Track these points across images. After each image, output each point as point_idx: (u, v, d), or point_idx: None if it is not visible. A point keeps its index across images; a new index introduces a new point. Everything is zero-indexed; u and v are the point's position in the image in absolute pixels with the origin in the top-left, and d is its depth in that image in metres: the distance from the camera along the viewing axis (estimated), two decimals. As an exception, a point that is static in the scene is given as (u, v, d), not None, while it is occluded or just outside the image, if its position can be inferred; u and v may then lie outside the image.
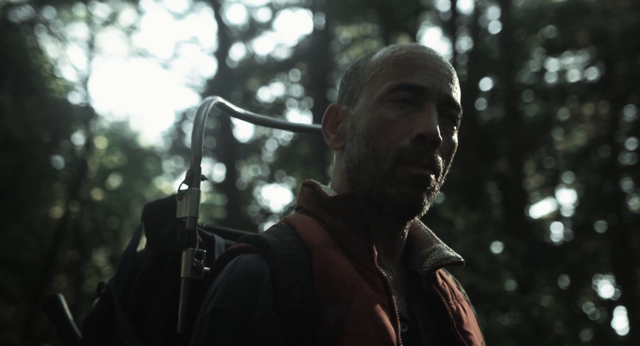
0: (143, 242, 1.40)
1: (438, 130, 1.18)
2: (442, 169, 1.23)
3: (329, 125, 1.34)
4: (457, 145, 1.27)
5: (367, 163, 1.22)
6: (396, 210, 1.21)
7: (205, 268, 1.25)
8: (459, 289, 1.40)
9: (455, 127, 1.27)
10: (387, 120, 1.20)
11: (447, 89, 1.23)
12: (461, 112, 1.28)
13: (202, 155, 1.33)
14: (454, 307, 1.27)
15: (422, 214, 1.25)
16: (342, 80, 1.36)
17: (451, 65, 1.29)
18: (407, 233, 1.30)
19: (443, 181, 1.28)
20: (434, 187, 1.22)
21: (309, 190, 1.30)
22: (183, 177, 1.32)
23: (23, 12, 12.37)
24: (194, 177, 1.31)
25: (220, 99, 1.45)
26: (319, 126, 1.73)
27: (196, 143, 1.35)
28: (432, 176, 1.20)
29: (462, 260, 1.28)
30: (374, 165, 1.21)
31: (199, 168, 1.32)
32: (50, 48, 13.05)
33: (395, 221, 1.25)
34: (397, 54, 1.26)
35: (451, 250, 1.30)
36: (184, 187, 1.31)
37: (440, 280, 1.30)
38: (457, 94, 1.26)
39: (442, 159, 1.22)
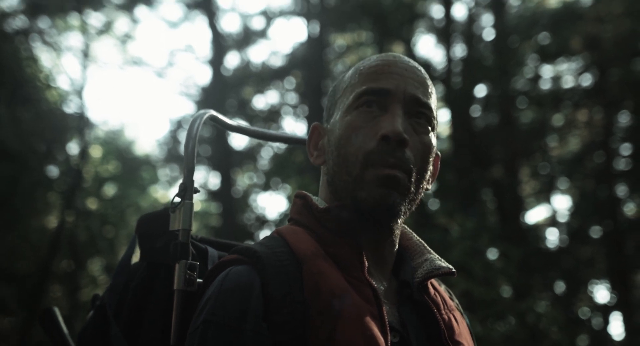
0: (137, 253, 1.40)
1: (401, 129, 1.19)
2: (415, 169, 1.22)
3: (313, 144, 1.36)
4: (433, 145, 1.27)
5: (340, 171, 1.23)
6: (371, 213, 1.20)
7: (198, 280, 1.26)
8: (452, 299, 1.40)
9: (429, 127, 1.27)
10: (354, 127, 1.22)
11: (413, 89, 1.24)
12: (435, 113, 1.29)
13: (195, 167, 1.34)
14: (446, 317, 1.27)
15: (401, 215, 1.23)
16: (327, 99, 1.39)
17: (420, 69, 1.30)
18: (397, 244, 1.31)
19: (426, 184, 1.28)
20: (408, 187, 1.21)
21: (300, 201, 1.31)
22: (177, 188, 1.32)
23: (17, 22, 12.38)
24: (186, 190, 1.32)
25: (213, 112, 1.46)
26: None
27: (189, 156, 1.35)
28: (402, 175, 1.19)
29: (454, 270, 1.28)
30: (346, 172, 1.22)
31: (192, 181, 1.33)
32: (44, 57, 13.06)
33: (377, 227, 1.24)
34: (366, 64, 1.29)
35: (442, 260, 1.30)
36: (177, 199, 1.32)
37: (432, 290, 1.30)
38: (425, 94, 1.27)
39: (415, 159, 1.22)
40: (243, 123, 1.60)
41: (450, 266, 1.29)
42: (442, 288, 1.39)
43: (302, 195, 1.31)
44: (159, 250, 1.32)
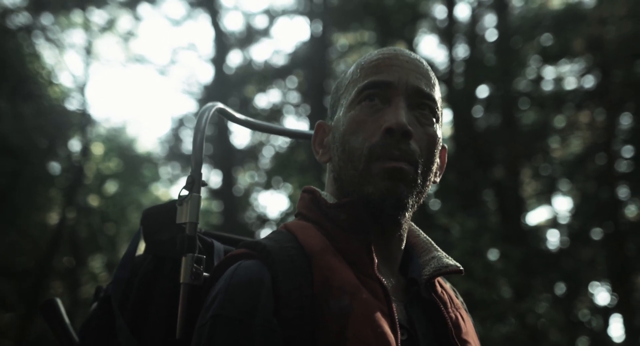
0: (141, 247, 1.40)
1: (404, 120, 1.18)
2: (421, 161, 1.21)
3: (318, 141, 1.36)
4: (438, 137, 1.26)
5: (346, 166, 1.23)
6: (379, 207, 1.19)
7: (205, 274, 1.25)
8: (457, 297, 1.40)
9: (434, 119, 1.26)
10: (358, 121, 1.22)
11: (416, 81, 1.24)
12: (439, 104, 1.28)
13: (203, 161, 1.33)
14: (453, 315, 1.26)
15: (409, 208, 1.22)
16: (331, 95, 1.38)
17: (422, 60, 1.29)
18: (405, 241, 1.30)
19: (434, 177, 1.28)
20: (415, 178, 1.20)
21: (309, 196, 1.30)
22: (182, 182, 1.32)
23: (20, 19, 12.38)
24: (194, 183, 1.31)
25: (221, 105, 1.45)
26: None
27: (197, 149, 1.35)
28: (408, 167, 1.19)
29: (462, 268, 1.28)
30: (351, 167, 1.21)
31: (200, 174, 1.32)
32: (47, 54, 13.06)
33: (386, 221, 1.23)
34: (367, 59, 1.29)
35: (450, 258, 1.30)
36: (184, 192, 1.31)
37: (439, 288, 1.30)
38: (429, 85, 1.26)
39: (420, 151, 1.21)
40: (250, 118, 1.59)
41: (458, 265, 1.29)
42: (447, 286, 1.38)
43: (310, 190, 1.31)
44: (165, 243, 1.31)
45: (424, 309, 1.25)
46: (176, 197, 1.32)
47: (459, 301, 1.37)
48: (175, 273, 1.26)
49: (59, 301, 1.46)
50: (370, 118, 1.21)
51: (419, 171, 1.21)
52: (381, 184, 1.18)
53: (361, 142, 1.20)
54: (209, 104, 1.42)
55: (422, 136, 1.22)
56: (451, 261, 1.29)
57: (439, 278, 1.34)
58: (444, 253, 1.33)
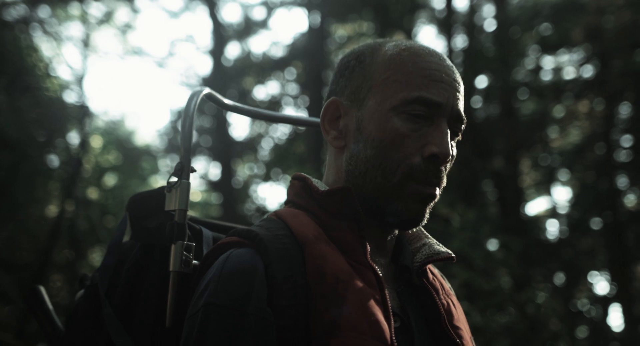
0: (128, 233, 1.38)
1: (450, 150, 1.18)
2: (444, 183, 1.23)
3: (329, 120, 1.30)
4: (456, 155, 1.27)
5: (374, 172, 1.20)
6: (398, 223, 1.21)
7: (194, 261, 1.24)
8: (446, 283, 1.39)
9: (458, 140, 1.27)
10: (400, 134, 1.18)
11: (459, 105, 1.23)
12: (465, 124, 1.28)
13: (192, 147, 1.31)
14: (445, 302, 1.26)
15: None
16: (343, 70, 1.31)
17: (458, 74, 1.27)
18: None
19: None
20: (436, 198, 1.23)
21: (299, 183, 1.28)
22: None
23: (17, 11, 12.34)
24: (183, 169, 1.29)
25: (209, 90, 1.43)
26: (309, 118, 1.72)
27: (186, 135, 1.33)
28: (437, 192, 1.21)
29: (453, 255, 1.28)
30: (382, 175, 1.19)
31: (189, 160, 1.31)
32: (45, 47, 13.01)
33: (393, 229, 1.26)
34: (411, 60, 1.22)
35: (441, 245, 1.30)
36: (173, 179, 1.29)
37: (430, 275, 1.30)
38: (463, 106, 1.26)
39: (445, 172, 1.23)
40: (238, 103, 1.57)
41: (449, 251, 1.28)
42: (437, 272, 1.38)
43: (301, 177, 1.29)
44: (153, 230, 1.30)
45: (416, 296, 1.25)
46: (166, 183, 1.30)
47: (448, 287, 1.36)
48: (165, 261, 1.25)
49: (43, 290, 1.45)
50: (413, 134, 1.19)
51: (440, 192, 1.23)
52: (412, 205, 1.19)
53: (401, 158, 1.18)
54: (197, 89, 1.40)
55: (449, 158, 1.23)
56: (442, 248, 1.29)
57: (430, 265, 1.33)
58: (435, 240, 1.33)
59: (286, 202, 1.31)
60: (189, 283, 1.21)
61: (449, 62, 1.25)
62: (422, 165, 1.18)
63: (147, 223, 1.32)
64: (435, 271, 1.37)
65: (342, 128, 1.27)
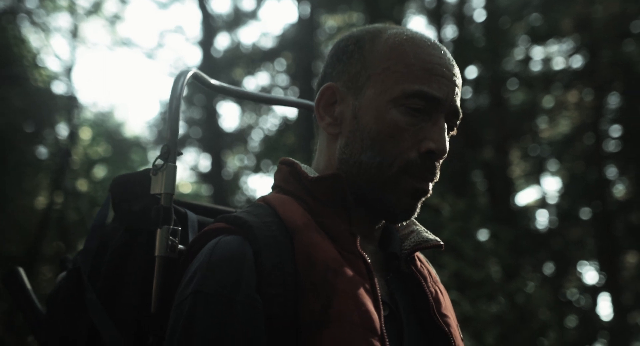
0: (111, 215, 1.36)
1: (447, 147, 1.18)
2: (437, 178, 1.23)
3: (324, 105, 1.26)
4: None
5: (369, 163, 1.18)
6: (389, 215, 1.21)
7: (180, 246, 1.22)
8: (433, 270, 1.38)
9: (452, 134, 1.26)
10: (399, 127, 1.16)
11: (456, 100, 1.21)
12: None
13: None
14: (433, 290, 1.25)
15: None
16: (340, 54, 1.26)
17: (457, 68, 1.25)
18: None
19: None
20: (428, 195, 1.22)
21: (287, 168, 1.25)
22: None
23: (5, 2, 12.25)
24: (170, 152, 1.27)
25: (195, 70, 1.40)
26: (298, 100, 1.70)
27: (173, 117, 1.30)
28: (430, 187, 1.20)
29: (442, 243, 1.26)
30: (377, 168, 1.17)
31: (175, 143, 1.28)
32: (32, 38, 12.93)
33: (384, 220, 1.25)
34: (413, 51, 1.20)
35: (429, 232, 1.29)
36: (160, 162, 1.27)
37: (418, 263, 1.29)
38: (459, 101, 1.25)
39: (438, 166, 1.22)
40: (225, 84, 1.55)
41: (438, 239, 1.27)
42: (424, 259, 1.36)
43: (289, 162, 1.26)
44: (138, 214, 1.27)
45: (404, 283, 1.24)
46: (151, 166, 1.27)
47: (434, 274, 1.35)
48: (150, 245, 1.22)
49: (22, 271, 1.42)
50: (411, 128, 1.17)
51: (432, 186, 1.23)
52: (405, 199, 1.18)
53: (398, 152, 1.16)
54: (184, 69, 1.37)
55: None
56: (431, 236, 1.28)
57: (418, 252, 1.32)
58: (423, 227, 1.31)
59: (273, 187, 1.29)
60: (174, 268, 1.19)
61: (449, 55, 1.23)
62: (417, 160, 1.16)
63: (132, 206, 1.29)
64: (422, 258, 1.36)
65: (338, 115, 1.24)
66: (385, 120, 1.17)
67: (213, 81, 1.46)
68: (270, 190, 1.31)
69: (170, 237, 1.20)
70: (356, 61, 1.23)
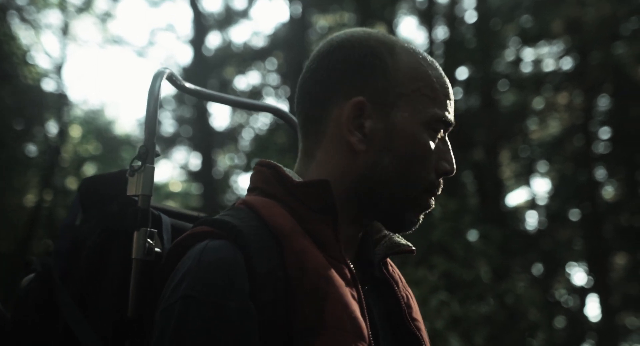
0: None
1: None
2: None
3: (354, 120, 1.19)
4: None
5: (398, 183, 1.18)
6: (399, 227, 1.25)
7: (156, 249, 1.20)
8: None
9: None
10: (428, 150, 1.19)
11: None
12: None
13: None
14: (404, 295, 1.26)
15: None
16: (358, 66, 1.21)
17: None
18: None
19: None
20: None
21: (269, 171, 1.21)
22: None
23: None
24: (148, 153, 1.24)
25: (170, 71, 1.37)
26: (265, 104, 1.71)
27: (150, 117, 1.28)
28: None
29: (414, 248, 1.27)
30: (404, 188, 1.18)
31: (154, 144, 1.26)
32: (23, 35, 12.88)
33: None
34: (434, 74, 1.22)
35: (400, 237, 1.29)
36: (137, 163, 1.24)
37: (390, 267, 1.29)
38: None
39: None
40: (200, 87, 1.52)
41: (410, 244, 1.27)
42: (391, 262, 1.35)
43: (270, 164, 1.23)
44: (113, 215, 1.25)
45: (377, 288, 1.24)
46: (129, 167, 1.25)
47: (403, 278, 1.35)
48: (126, 248, 1.20)
49: None
50: (434, 151, 1.21)
51: None
52: (419, 216, 1.23)
53: (425, 174, 1.19)
54: (161, 69, 1.34)
55: None
56: (402, 241, 1.28)
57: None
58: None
59: (252, 189, 1.25)
60: (150, 271, 1.17)
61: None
62: (436, 181, 1.21)
63: (108, 208, 1.27)
64: (390, 261, 1.35)
65: (369, 132, 1.19)
66: (419, 143, 1.18)
67: (187, 84, 1.43)
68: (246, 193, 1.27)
69: (148, 240, 1.18)
70: (380, 76, 1.20)
